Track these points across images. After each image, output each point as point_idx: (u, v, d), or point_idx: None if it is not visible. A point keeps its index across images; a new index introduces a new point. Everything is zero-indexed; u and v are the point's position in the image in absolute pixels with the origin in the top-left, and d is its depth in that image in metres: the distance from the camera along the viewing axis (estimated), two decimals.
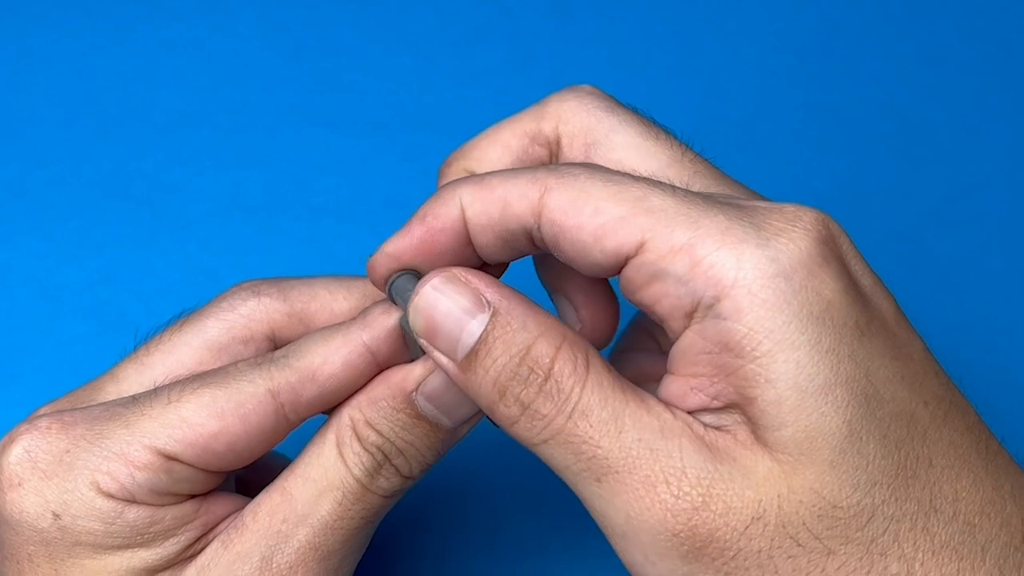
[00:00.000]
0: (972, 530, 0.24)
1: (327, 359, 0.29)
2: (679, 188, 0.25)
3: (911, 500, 0.23)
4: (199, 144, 0.50)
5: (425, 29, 0.54)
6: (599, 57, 0.53)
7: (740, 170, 0.50)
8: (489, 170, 0.28)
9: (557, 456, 0.25)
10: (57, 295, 0.46)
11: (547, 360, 0.25)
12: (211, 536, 0.30)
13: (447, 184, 0.28)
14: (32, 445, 0.29)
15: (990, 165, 0.50)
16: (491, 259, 0.28)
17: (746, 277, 0.23)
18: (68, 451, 0.29)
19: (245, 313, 0.31)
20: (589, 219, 0.25)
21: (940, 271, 0.47)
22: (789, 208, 0.25)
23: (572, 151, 0.28)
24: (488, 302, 0.26)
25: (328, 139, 0.51)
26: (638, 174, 0.26)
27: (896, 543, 0.23)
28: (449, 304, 0.26)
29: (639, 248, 0.24)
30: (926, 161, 0.51)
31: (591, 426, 0.25)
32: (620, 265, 0.25)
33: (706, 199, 0.25)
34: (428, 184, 0.50)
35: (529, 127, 0.29)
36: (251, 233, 0.48)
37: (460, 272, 0.26)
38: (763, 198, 0.27)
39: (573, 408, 0.25)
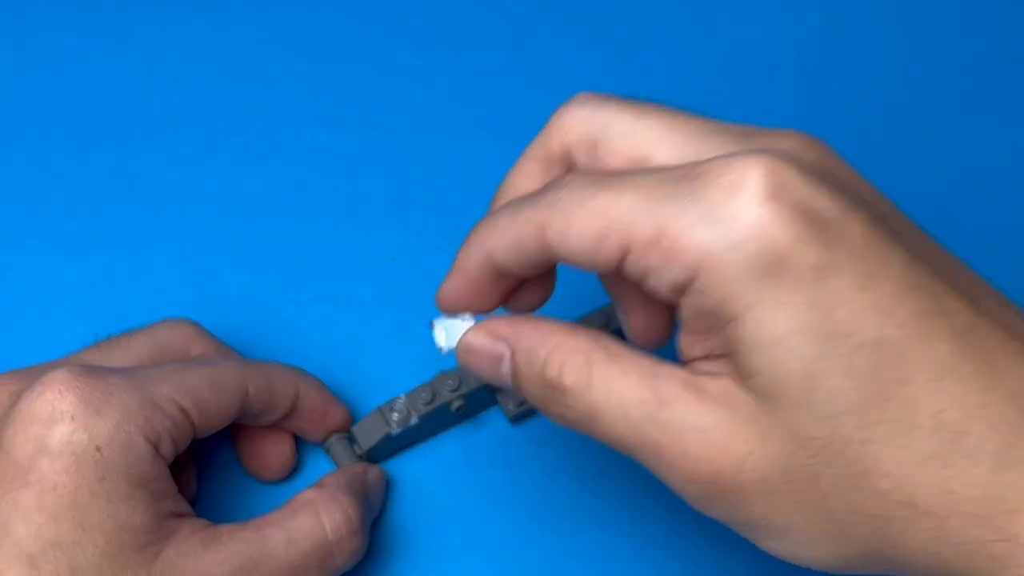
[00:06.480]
0: (958, 438, 0.26)
1: (281, 377, 0.39)
2: (646, 175, 0.29)
3: (886, 422, 0.26)
4: (199, 143, 0.50)
5: (425, 29, 0.54)
6: (599, 57, 0.53)
7: None
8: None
9: (603, 437, 0.30)
10: (56, 295, 0.46)
11: (557, 377, 0.30)
12: (176, 525, 0.34)
13: (471, 236, 0.32)
14: (78, 385, 0.34)
15: (990, 165, 0.50)
16: (532, 276, 0.33)
17: (707, 256, 0.27)
18: (113, 393, 0.34)
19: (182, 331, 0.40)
20: (578, 244, 0.29)
21: None
22: (740, 160, 0.27)
23: (581, 158, 0.32)
24: (507, 343, 0.32)
25: (328, 139, 0.50)
26: (632, 158, 0.30)
27: (877, 462, 0.26)
28: (481, 361, 0.33)
29: (624, 253, 0.28)
30: (926, 161, 0.51)
31: (604, 420, 0.30)
32: (620, 269, 0.29)
33: (665, 182, 0.28)
34: (428, 184, 0.50)
35: (539, 153, 0.33)
36: (251, 233, 0.48)
37: (480, 330, 0.32)
38: (739, 127, 0.30)
39: (589, 408, 0.30)
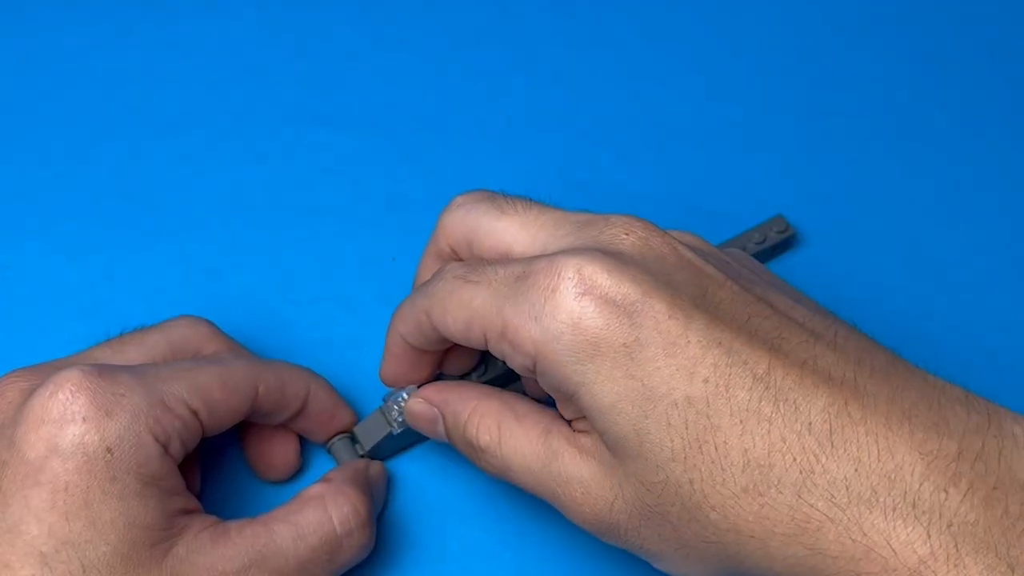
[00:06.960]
0: (766, 471, 0.30)
1: (293, 378, 0.39)
2: (497, 271, 0.34)
3: (704, 464, 0.30)
4: (199, 144, 0.50)
5: (425, 29, 0.54)
6: (599, 57, 0.53)
7: (740, 170, 0.50)
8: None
9: (517, 485, 0.36)
10: (57, 295, 0.46)
11: (475, 438, 0.36)
12: (185, 522, 0.35)
13: (390, 323, 0.38)
14: (90, 386, 0.34)
15: (990, 165, 0.51)
16: (447, 348, 0.38)
17: (539, 347, 0.32)
18: (124, 394, 0.34)
19: (196, 329, 0.40)
20: (454, 328, 0.35)
21: (940, 271, 0.47)
22: (556, 264, 0.32)
23: (463, 253, 0.37)
24: (438, 408, 0.37)
25: (328, 139, 0.51)
26: (499, 252, 0.36)
27: (705, 498, 0.30)
28: (423, 423, 0.39)
29: (486, 339, 0.34)
30: (926, 161, 0.51)
31: (514, 472, 0.35)
32: (488, 349, 0.34)
33: (508, 281, 0.33)
34: (428, 184, 0.50)
35: (433, 251, 0.38)
36: (251, 233, 0.48)
37: (417, 398, 0.38)
38: (581, 217, 0.35)
39: (502, 464, 0.35)
